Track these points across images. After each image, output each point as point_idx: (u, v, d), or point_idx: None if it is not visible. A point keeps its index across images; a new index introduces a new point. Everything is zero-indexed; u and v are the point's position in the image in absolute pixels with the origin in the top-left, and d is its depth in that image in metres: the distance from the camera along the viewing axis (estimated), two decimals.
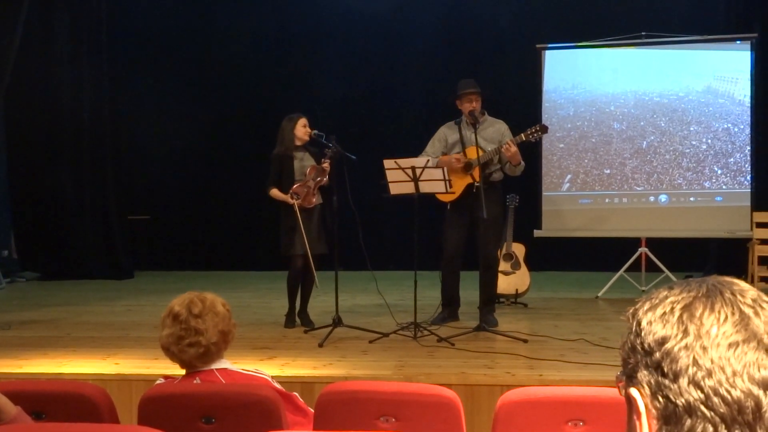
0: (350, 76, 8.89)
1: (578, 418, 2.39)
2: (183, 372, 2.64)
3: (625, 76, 7.26)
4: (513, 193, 6.77)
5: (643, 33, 7.16)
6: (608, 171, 7.27)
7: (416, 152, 5.68)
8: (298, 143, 5.64)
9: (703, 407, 0.83)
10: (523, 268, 6.76)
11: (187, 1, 9.26)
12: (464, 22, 8.84)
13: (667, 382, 0.85)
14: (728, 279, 0.91)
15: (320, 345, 5.02)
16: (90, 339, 5.34)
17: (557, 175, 7.33)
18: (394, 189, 5.25)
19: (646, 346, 0.88)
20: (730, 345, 0.84)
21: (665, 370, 0.85)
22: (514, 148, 5.38)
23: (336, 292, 5.42)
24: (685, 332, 0.86)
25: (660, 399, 0.86)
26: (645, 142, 7.21)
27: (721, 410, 0.82)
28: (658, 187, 7.18)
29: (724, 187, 7.08)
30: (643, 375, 0.88)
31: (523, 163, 5.57)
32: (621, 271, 7.14)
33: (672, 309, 0.88)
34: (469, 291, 5.92)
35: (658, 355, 0.86)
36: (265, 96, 8.87)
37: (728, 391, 0.82)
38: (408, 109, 8.79)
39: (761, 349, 0.84)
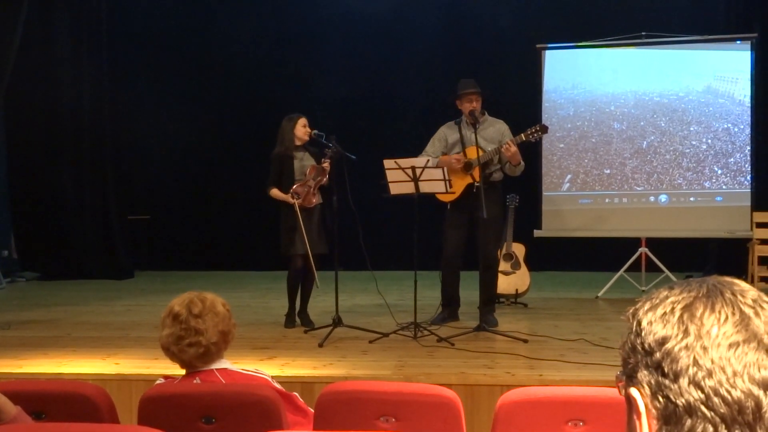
0: (350, 76, 8.89)
1: (578, 418, 2.39)
2: (183, 372, 2.64)
3: (625, 76, 7.26)
4: (513, 193, 6.77)
5: (643, 33, 7.16)
6: (608, 171, 7.27)
7: (416, 152, 5.68)
8: (298, 143, 5.64)
9: (703, 407, 0.83)
10: (523, 268, 6.76)
11: (187, 1, 9.26)
12: (464, 23, 8.84)
13: (667, 382, 0.85)
14: (728, 279, 0.91)
15: (320, 345, 5.02)
16: (90, 339, 5.34)
17: (557, 175, 7.33)
18: (394, 189, 5.25)
19: (646, 346, 0.88)
20: (730, 345, 0.84)
21: (665, 370, 0.85)
22: (514, 148, 5.38)
23: (336, 292, 5.42)
24: (686, 332, 0.86)
25: (660, 399, 0.86)
26: (645, 142, 7.21)
27: (722, 410, 0.82)
28: (658, 187, 7.18)
29: (724, 187, 7.08)
30: (643, 375, 0.88)
31: (522, 163, 5.57)
32: (621, 271, 7.14)
33: (672, 309, 0.88)
34: (469, 291, 5.92)
35: (658, 355, 0.86)
36: (265, 96, 8.86)
37: (728, 392, 0.82)
38: (408, 109, 8.79)
39: (761, 350, 0.84)
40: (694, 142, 7.12)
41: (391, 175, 5.22)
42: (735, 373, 0.83)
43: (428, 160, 5.27)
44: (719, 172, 7.09)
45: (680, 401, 0.84)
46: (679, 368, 0.85)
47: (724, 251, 7.72)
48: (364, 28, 8.79)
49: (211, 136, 9.18)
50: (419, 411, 2.53)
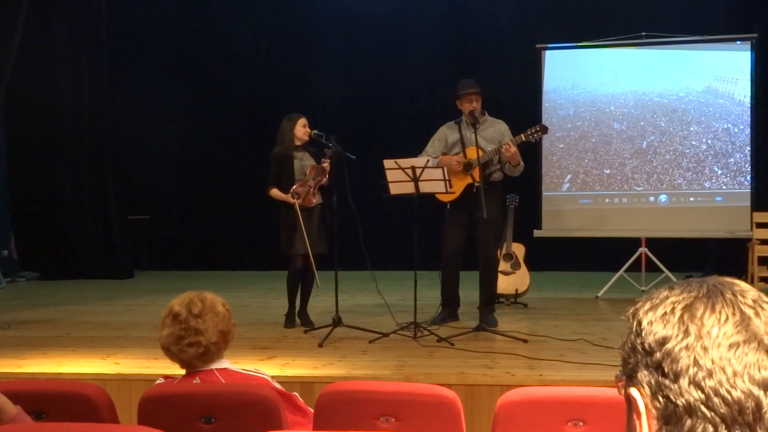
0: (350, 76, 8.89)
1: (578, 418, 2.39)
2: (183, 372, 2.64)
3: (625, 76, 7.26)
4: (513, 193, 6.77)
5: (643, 33, 7.16)
6: (608, 171, 7.27)
7: (416, 152, 5.68)
8: (297, 143, 5.64)
9: (703, 407, 0.83)
10: (523, 268, 6.76)
11: (187, 1, 9.26)
12: (464, 23, 8.84)
13: (667, 382, 0.85)
14: (729, 279, 0.91)
15: (320, 345, 5.02)
16: (90, 339, 5.34)
17: (557, 175, 7.33)
18: (394, 189, 5.25)
19: (646, 346, 0.88)
20: (730, 346, 0.84)
21: (666, 370, 0.85)
22: (513, 149, 5.38)
23: (336, 292, 5.42)
24: (686, 332, 0.86)
25: (660, 399, 0.86)
26: (645, 142, 7.21)
27: (722, 411, 0.82)
28: (658, 187, 7.18)
29: (724, 187, 7.08)
30: (643, 375, 0.88)
31: (522, 163, 5.56)
32: (621, 271, 7.14)
33: (673, 309, 0.88)
34: (469, 291, 5.92)
35: (658, 355, 0.86)
36: (265, 96, 8.86)
37: (729, 392, 0.82)
38: (408, 109, 8.79)
39: (762, 350, 0.84)
40: (694, 142, 7.12)
41: (391, 175, 5.22)
42: (735, 374, 0.83)
43: (428, 160, 5.27)
44: (719, 172, 7.09)
45: (680, 401, 0.84)
46: (679, 368, 0.85)
47: (724, 251, 7.72)
48: (364, 28, 8.79)
49: (211, 136, 9.19)
50: (419, 411, 2.53)
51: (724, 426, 0.82)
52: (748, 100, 6.97)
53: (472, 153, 5.43)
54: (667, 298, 0.90)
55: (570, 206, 7.34)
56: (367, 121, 8.74)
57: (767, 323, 0.86)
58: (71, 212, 8.67)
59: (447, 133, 5.75)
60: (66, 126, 8.63)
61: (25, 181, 8.73)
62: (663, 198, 7.19)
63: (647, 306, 0.91)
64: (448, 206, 5.71)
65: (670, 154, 7.15)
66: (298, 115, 5.69)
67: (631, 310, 0.93)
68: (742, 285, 0.90)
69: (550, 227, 7.30)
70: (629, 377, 0.91)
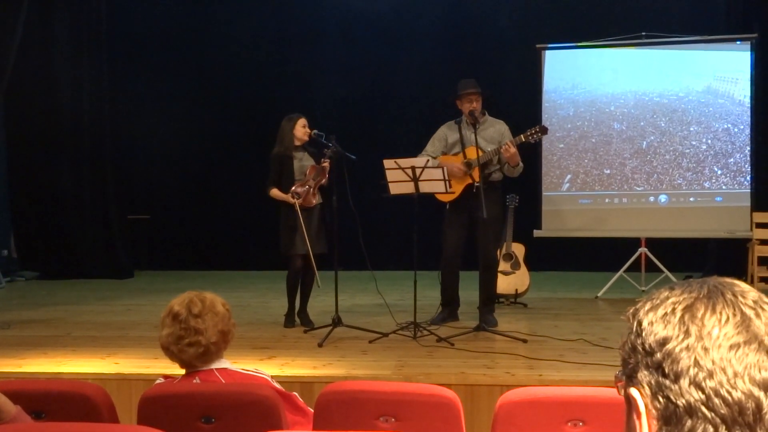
0: (350, 76, 8.89)
1: (578, 418, 2.39)
2: (183, 372, 2.64)
3: (625, 76, 7.26)
4: (513, 193, 6.77)
5: (643, 33, 7.16)
6: (608, 171, 7.27)
7: (416, 152, 5.68)
8: (297, 143, 5.64)
9: (703, 408, 0.83)
10: (523, 268, 6.76)
11: (187, 1, 9.26)
12: (464, 22, 8.84)
13: (667, 382, 0.85)
14: (729, 280, 0.91)
15: (320, 345, 5.02)
16: (90, 339, 5.34)
17: (557, 175, 7.33)
18: (394, 189, 5.25)
19: (647, 346, 0.88)
20: (731, 346, 0.84)
21: (666, 370, 0.85)
22: (513, 149, 5.38)
23: (336, 291, 5.42)
24: (687, 333, 0.86)
25: (660, 399, 0.86)
26: (645, 143, 7.21)
27: (722, 411, 0.82)
28: (658, 187, 7.18)
29: (724, 187, 7.08)
30: (643, 375, 0.88)
31: (521, 164, 5.56)
32: (621, 272, 7.14)
33: (673, 309, 0.88)
34: (469, 291, 5.92)
35: (659, 355, 0.86)
36: (265, 96, 8.86)
37: (729, 393, 0.82)
38: (408, 109, 8.79)
39: (762, 351, 0.84)
40: (694, 143, 7.12)
41: (390, 175, 5.22)
42: (736, 374, 0.83)
43: (428, 160, 5.27)
44: (719, 172, 7.09)
45: (681, 402, 0.84)
46: (679, 369, 0.85)
47: (724, 251, 7.72)
48: (364, 28, 8.79)
49: (211, 136, 9.18)
50: (419, 411, 2.53)
51: (724, 426, 0.82)
52: (748, 100, 6.97)
53: (471, 153, 5.43)
54: (667, 298, 0.90)
55: (570, 206, 7.35)
56: (367, 121, 8.74)
57: (767, 324, 0.86)
58: (71, 212, 8.67)
59: (447, 132, 5.75)
60: (66, 126, 8.63)
61: (25, 181, 8.73)
62: (663, 198, 7.19)
63: (648, 306, 0.91)
64: (448, 206, 5.71)
65: (670, 154, 7.15)
66: (297, 115, 5.69)
67: (631, 311, 0.93)
68: (742, 286, 0.90)
69: (550, 227, 7.30)
70: (629, 377, 0.91)
